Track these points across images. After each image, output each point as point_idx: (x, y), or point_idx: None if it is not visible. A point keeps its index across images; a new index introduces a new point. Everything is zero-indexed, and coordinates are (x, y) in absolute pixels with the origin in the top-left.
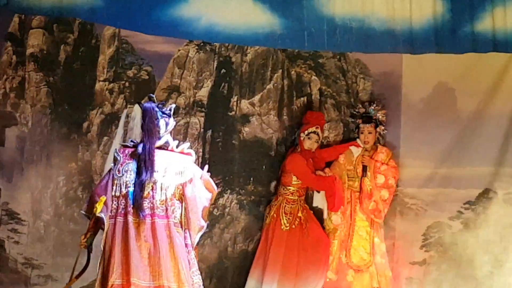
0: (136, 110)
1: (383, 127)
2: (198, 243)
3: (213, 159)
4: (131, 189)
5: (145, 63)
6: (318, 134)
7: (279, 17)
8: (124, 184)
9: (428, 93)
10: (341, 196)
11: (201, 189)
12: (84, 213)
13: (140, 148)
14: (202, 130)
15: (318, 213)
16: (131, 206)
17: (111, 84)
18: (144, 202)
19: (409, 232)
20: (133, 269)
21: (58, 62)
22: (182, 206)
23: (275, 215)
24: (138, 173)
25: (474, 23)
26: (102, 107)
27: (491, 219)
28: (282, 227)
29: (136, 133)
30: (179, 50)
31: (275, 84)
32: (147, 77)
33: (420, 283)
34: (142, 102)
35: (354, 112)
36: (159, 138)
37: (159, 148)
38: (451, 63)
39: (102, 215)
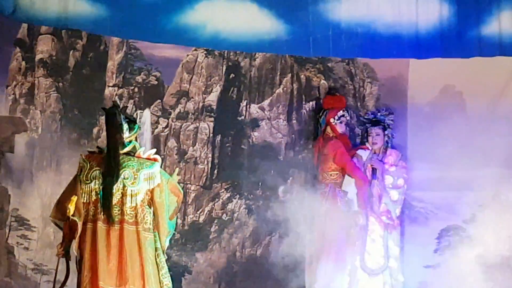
0: (146, 116)
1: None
2: (207, 249)
3: (222, 164)
4: (100, 196)
5: (154, 69)
6: (346, 117)
7: (284, 23)
8: (94, 191)
9: (434, 97)
10: (365, 196)
11: (169, 194)
12: (52, 219)
13: (105, 154)
14: (211, 135)
15: None
16: (101, 213)
17: (120, 90)
18: (114, 208)
19: (420, 236)
20: (101, 274)
21: (67, 68)
22: (151, 210)
23: None
24: (105, 180)
25: (481, 27)
26: None
27: (504, 222)
28: None
29: (146, 138)
30: (187, 55)
31: (284, 89)
32: (156, 82)
33: (434, 287)
34: (107, 107)
35: (363, 119)
36: (124, 144)
37: (127, 154)
38: (457, 68)
39: (76, 218)
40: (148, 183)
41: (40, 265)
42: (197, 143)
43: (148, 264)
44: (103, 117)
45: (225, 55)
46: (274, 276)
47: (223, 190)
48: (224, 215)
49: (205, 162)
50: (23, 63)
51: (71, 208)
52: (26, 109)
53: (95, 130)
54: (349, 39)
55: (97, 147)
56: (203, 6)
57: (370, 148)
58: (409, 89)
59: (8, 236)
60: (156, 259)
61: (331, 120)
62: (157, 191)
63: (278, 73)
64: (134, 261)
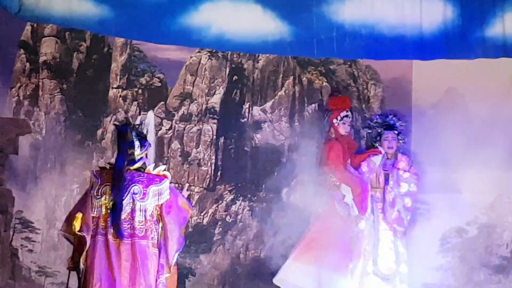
0: (150, 117)
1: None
2: (211, 251)
3: (226, 166)
4: (109, 210)
5: (158, 70)
6: (350, 117)
7: (288, 24)
8: (104, 206)
9: (438, 99)
10: (367, 199)
11: (179, 210)
12: (62, 233)
13: (115, 170)
14: (214, 137)
15: None
16: (111, 227)
17: (124, 91)
18: (123, 223)
19: (423, 238)
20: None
21: (71, 69)
22: (159, 226)
23: None
24: (114, 195)
25: (485, 28)
26: (116, 114)
27: (506, 223)
28: None
29: (149, 140)
30: (191, 57)
31: (287, 91)
32: (159, 84)
33: None
34: (119, 123)
35: (371, 123)
36: (135, 160)
37: (137, 170)
38: (461, 69)
39: (84, 233)
40: (157, 199)
41: (44, 268)
42: (200, 145)
43: (150, 279)
44: (107, 119)
45: (228, 57)
46: None
47: (226, 192)
48: (228, 217)
49: (209, 164)
50: (27, 64)
51: (76, 225)
52: (30, 111)
53: (99, 132)
54: (353, 41)
55: (108, 163)
56: (208, 8)
57: (382, 152)
58: (413, 91)
59: (12, 238)
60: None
61: (334, 120)
62: (166, 207)
63: (281, 76)
64: (147, 274)
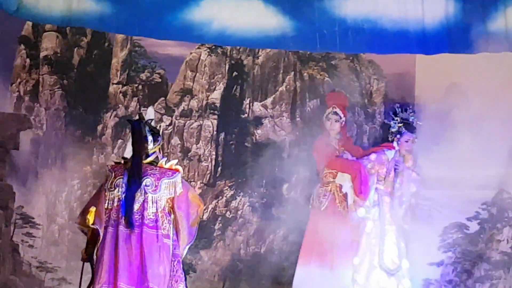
0: (150, 113)
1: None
2: (211, 246)
3: (226, 162)
4: (121, 202)
5: (158, 66)
6: (336, 114)
7: (290, 19)
8: (116, 197)
9: (441, 93)
10: (367, 182)
11: (189, 203)
12: (77, 225)
13: (129, 163)
14: (215, 132)
15: None
16: (122, 217)
17: (125, 87)
18: (135, 214)
19: (424, 233)
20: (121, 274)
21: (72, 65)
22: (171, 218)
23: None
24: (128, 187)
25: (487, 23)
26: (116, 110)
27: (507, 219)
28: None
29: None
30: (191, 53)
31: (288, 86)
32: (159, 80)
33: (437, 284)
34: (132, 119)
35: (394, 116)
36: (148, 154)
37: (150, 164)
38: (464, 63)
39: (97, 226)
40: (169, 192)
41: (44, 263)
42: (200, 141)
43: (165, 268)
44: (108, 115)
45: (228, 53)
46: (278, 274)
47: (226, 187)
48: (228, 212)
49: (209, 160)
50: (28, 60)
51: (90, 218)
52: (31, 106)
53: (99, 128)
54: (355, 35)
55: (123, 157)
56: (209, 3)
57: (396, 148)
58: (416, 85)
59: (13, 234)
60: (172, 267)
61: (324, 117)
62: (177, 200)
63: (281, 71)
64: (153, 262)
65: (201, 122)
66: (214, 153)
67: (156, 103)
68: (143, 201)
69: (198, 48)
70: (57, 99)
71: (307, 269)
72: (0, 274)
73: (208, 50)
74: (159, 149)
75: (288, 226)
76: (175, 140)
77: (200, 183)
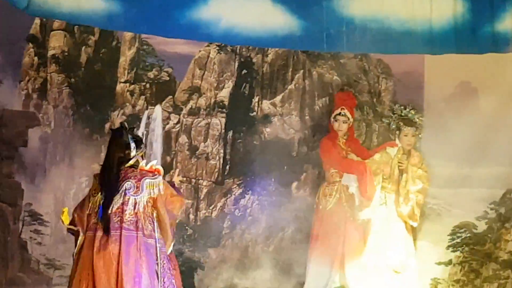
0: (157, 112)
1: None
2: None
3: (234, 160)
4: (99, 206)
5: (166, 64)
6: (344, 115)
7: (298, 18)
8: (97, 202)
9: (450, 93)
10: (372, 183)
11: (171, 203)
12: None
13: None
14: (223, 131)
15: None
16: (100, 221)
17: (132, 86)
18: (113, 217)
19: (433, 232)
20: (97, 281)
21: (80, 63)
22: (154, 217)
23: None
24: (104, 193)
25: (495, 23)
26: (124, 108)
27: None
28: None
29: (157, 134)
30: (200, 51)
31: (297, 85)
32: (167, 78)
33: (445, 283)
34: (114, 128)
35: (395, 115)
36: (128, 160)
37: (131, 167)
38: (472, 63)
39: (76, 227)
40: (150, 192)
41: (52, 260)
42: (208, 139)
43: (146, 274)
44: (115, 113)
45: (237, 51)
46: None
47: (235, 185)
48: (237, 210)
49: (217, 158)
50: (36, 58)
51: (63, 218)
52: (39, 104)
53: (107, 126)
54: (363, 35)
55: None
56: (217, 1)
57: (398, 145)
58: (425, 85)
59: (21, 231)
60: (156, 267)
61: (331, 117)
62: (159, 200)
63: (290, 69)
64: (132, 265)
65: (209, 120)
66: (222, 151)
67: (164, 102)
68: (122, 203)
69: (207, 46)
70: (65, 97)
71: (315, 268)
72: (9, 271)
73: (217, 48)
74: (142, 155)
75: (297, 224)
76: (183, 139)
77: (208, 181)
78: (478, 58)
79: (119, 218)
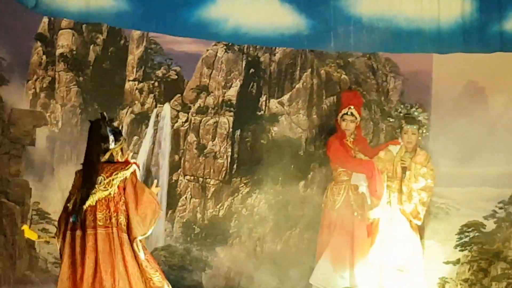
0: (166, 110)
1: (424, 130)
2: (227, 243)
3: (242, 159)
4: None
5: (174, 63)
6: (352, 114)
7: (305, 17)
8: (74, 200)
9: (458, 92)
10: (381, 181)
11: (140, 196)
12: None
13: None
14: (230, 129)
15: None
16: (76, 220)
17: (141, 84)
18: (88, 215)
19: (441, 231)
20: (79, 282)
21: (88, 62)
22: (123, 210)
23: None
24: (82, 188)
25: (503, 22)
26: (132, 106)
27: None
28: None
29: (165, 132)
30: (207, 50)
31: (304, 83)
32: (176, 77)
33: (453, 282)
34: (93, 120)
35: (397, 113)
36: (105, 151)
37: (107, 161)
38: (480, 62)
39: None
40: (122, 182)
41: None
42: (216, 138)
43: (130, 265)
44: (123, 112)
45: (245, 50)
46: (294, 271)
47: (242, 184)
48: (244, 209)
49: (225, 157)
50: (44, 57)
51: (28, 236)
52: (47, 103)
53: (115, 124)
54: (370, 34)
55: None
56: (225, 1)
57: (401, 143)
58: (433, 84)
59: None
60: (136, 259)
61: (338, 116)
62: (127, 189)
63: (298, 68)
64: (108, 264)
65: (217, 119)
66: (230, 150)
67: (172, 100)
68: (97, 200)
69: (215, 45)
70: (73, 96)
71: (323, 268)
72: (17, 270)
73: (225, 47)
74: (121, 149)
75: (304, 223)
76: (191, 137)
77: (216, 180)
78: (486, 57)
79: (93, 216)
